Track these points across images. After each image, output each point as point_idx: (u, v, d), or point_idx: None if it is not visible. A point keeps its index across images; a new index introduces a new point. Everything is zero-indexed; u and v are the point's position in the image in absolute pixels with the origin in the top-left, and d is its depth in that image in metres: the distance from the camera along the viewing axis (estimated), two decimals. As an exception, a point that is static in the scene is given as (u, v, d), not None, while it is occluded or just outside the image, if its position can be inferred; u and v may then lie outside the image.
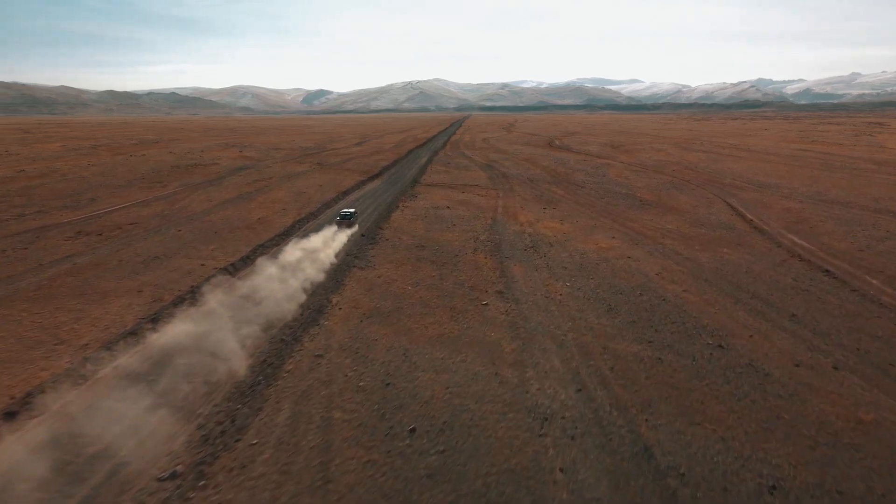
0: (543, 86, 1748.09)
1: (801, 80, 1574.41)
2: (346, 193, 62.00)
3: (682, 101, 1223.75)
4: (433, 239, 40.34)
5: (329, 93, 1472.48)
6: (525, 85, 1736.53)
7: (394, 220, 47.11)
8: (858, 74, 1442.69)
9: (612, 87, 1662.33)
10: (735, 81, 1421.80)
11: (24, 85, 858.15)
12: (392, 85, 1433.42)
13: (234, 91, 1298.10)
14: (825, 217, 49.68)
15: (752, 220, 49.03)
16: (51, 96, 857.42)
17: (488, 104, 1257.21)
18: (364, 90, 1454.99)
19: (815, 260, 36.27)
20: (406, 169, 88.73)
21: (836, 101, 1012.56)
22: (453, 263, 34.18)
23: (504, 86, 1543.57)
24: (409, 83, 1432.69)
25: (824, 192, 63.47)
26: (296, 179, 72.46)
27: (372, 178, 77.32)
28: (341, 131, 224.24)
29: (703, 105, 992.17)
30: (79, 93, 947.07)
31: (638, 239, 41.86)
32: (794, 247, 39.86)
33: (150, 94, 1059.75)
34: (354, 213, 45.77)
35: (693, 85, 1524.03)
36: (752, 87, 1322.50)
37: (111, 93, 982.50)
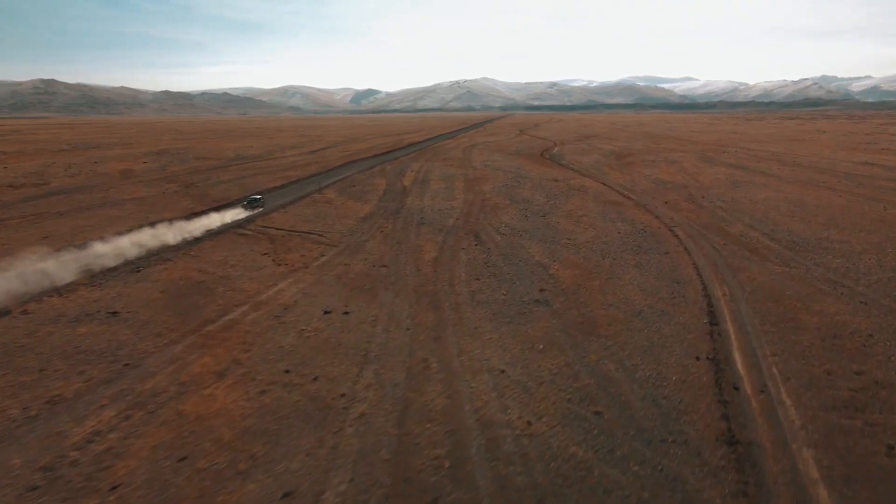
0: (594, 84, 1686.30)
1: (868, 77, 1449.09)
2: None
3: (739, 100, 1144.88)
4: None
5: (377, 92, 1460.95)
6: (575, 84, 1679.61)
7: None
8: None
9: (665, 86, 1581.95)
10: (796, 79, 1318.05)
11: (85, 86, 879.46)
12: (439, 84, 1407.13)
13: (285, 91, 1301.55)
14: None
15: (737, 391, 19.50)
16: (110, 97, 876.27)
17: (536, 103, 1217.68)
18: (411, 89, 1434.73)
19: None
20: (283, 197, 61.76)
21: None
22: None
23: (552, 84, 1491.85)
24: (457, 82, 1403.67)
25: (915, 272, 32.57)
26: (48, 221, 46.83)
27: (196, 215, 50.99)
28: (331, 134, 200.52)
29: (760, 104, 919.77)
30: (136, 93, 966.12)
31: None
32: None
33: (204, 94, 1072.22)
34: (261, 198, 53.65)
35: (751, 83, 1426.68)
36: (815, 84, 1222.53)
37: (166, 93, 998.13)
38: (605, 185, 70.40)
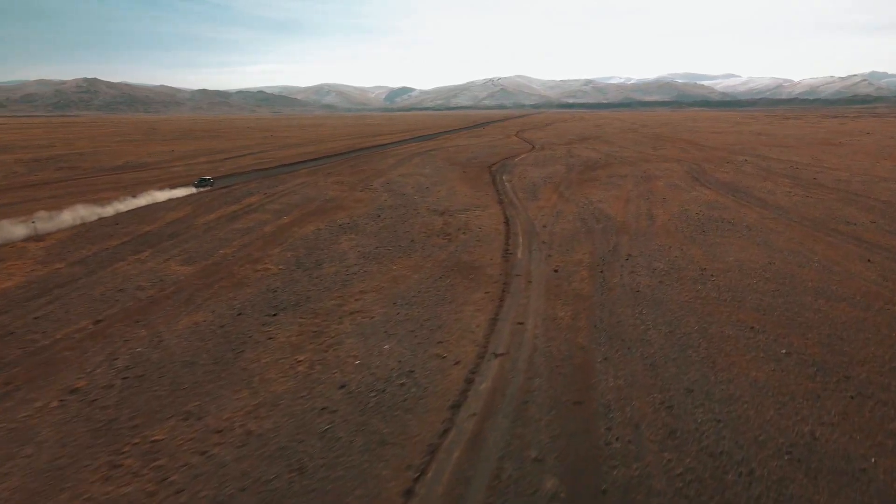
0: (631, 82, 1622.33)
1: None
2: None
3: (783, 97, 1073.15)
4: None
5: (411, 90, 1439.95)
6: (611, 81, 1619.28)
7: None
8: None
9: (706, 83, 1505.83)
10: (844, 75, 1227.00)
11: (126, 84, 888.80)
12: (473, 82, 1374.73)
13: (319, 89, 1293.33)
14: None
15: None
16: (149, 95, 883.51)
17: (570, 101, 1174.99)
18: (444, 87, 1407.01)
19: None
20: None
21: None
22: None
23: (588, 82, 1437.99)
24: (490, 80, 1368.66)
25: None
26: None
27: None
28: (306, 135, 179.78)
29: (805, 101, 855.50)
30: (174, 92, 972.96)
31: None
32: None
33: (240, 93, 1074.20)
34: (211, 179, 60.25)
35: (796, 79, 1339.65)
36: (864, 80, 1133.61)
37: (203, 92, 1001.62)
38: (505, 223, 45.27)
